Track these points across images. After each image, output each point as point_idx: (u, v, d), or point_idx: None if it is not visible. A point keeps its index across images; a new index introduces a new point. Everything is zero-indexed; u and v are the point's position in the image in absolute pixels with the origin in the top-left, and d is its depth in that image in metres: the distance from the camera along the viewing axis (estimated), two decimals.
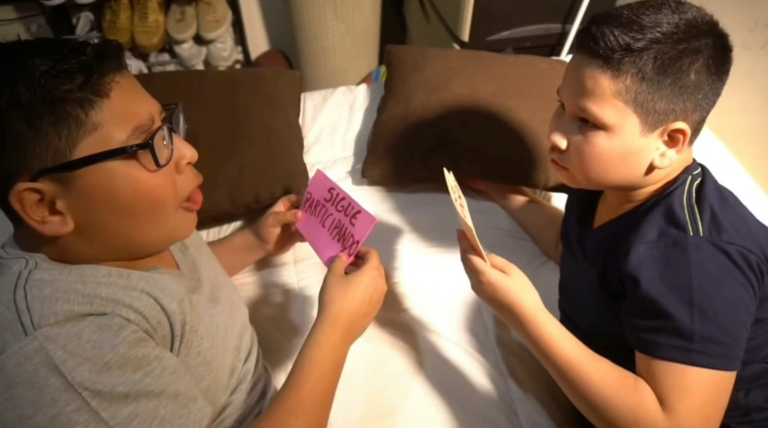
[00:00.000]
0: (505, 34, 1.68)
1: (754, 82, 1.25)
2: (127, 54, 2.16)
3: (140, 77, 0.68)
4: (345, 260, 0.78)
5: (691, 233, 0.63)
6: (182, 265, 0.73)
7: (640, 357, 0.64)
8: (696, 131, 0.67)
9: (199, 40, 2.13)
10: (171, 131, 0.61)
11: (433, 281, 1.06)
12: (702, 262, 0.61)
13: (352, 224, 0.82)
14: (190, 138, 0.66)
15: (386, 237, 1.13)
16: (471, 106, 1.18)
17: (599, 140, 0.67)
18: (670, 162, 0.67)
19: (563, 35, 1.69)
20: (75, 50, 0.53)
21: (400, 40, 2.31)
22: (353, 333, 0.72)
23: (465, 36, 1.65)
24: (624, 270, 0.65)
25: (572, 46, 1.68)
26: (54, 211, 0.55)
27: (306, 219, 0.92)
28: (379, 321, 0.98)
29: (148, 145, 0.56)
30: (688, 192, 0.68)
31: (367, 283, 0.73)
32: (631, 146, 0.66)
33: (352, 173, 1.25)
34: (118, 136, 0.55)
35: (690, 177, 0.69)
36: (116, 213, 0.57)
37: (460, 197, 0.77)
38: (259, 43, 2.38)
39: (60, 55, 0.52)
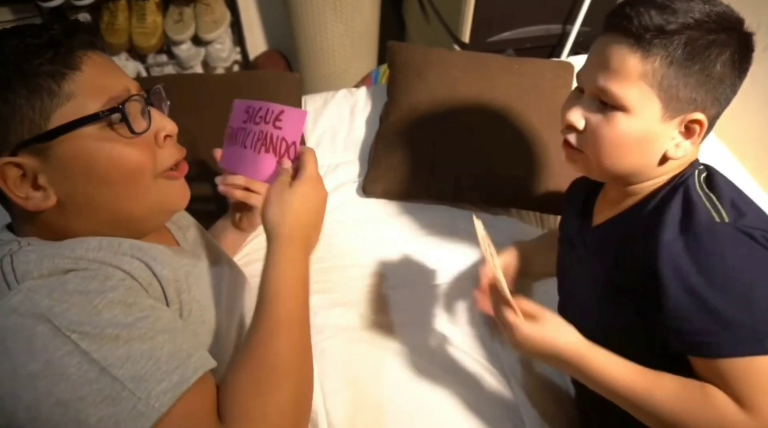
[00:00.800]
0: (505, 35, 1.67)
1: (757, 84, 1.24)
2: (125, 55, 2.14)
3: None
4: (289, 169, 0.70)
5: (717, 220, 0.62)
6: (183, 243, 0.73)
7: (699, 362, 0.61)
8: (710, 126, 0.67)
9: (197, 41, 2.12)
10: (149, 104, 0.61)
11: (437, 286, 1.05)
12: (733, 248, 0.60)
13: (279, 128, 0.72)
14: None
15: (389, 241, 1.12)
16: (475, 124, 1.17)
17: (619, 120, 0.66)
18: (684, 153, 0.67)
19: (564, 36, 1.68)
20: (44, 28, 0.55)
21: (399, 40, 2.28)
22: (309, 246, 0.67)
23: (465, 37, 1.64)
24: (653, 268, 0.62)
25: (572, 49, 1.67)
26: (36, 187, 0.56)
27: (227, 154, 0.82)
28: (382, 326, 0.97)
29: (119, 109, 0.57)
30: (699, 183, 0.68)
31: (308, 193, 0.67)
32: (649, 132, 0.66)
33: (353, 179, 1.24)
34: (92, 106, 0.56)
35: (696, 170, 0.69)
36: (95, 183, 0.57)
37: (489, 246, 0.73)
38: (257, 43, 2.36)
39: (30, 33, 0.54)
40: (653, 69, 0.63)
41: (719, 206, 0.63)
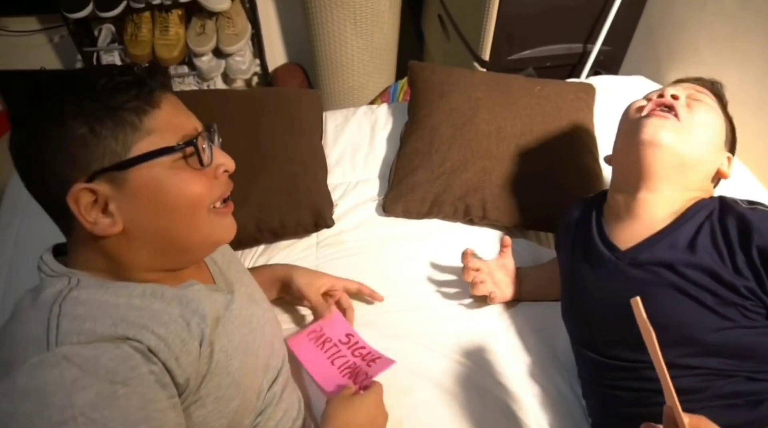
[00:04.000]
0: (526, 53, 1.67)
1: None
2: None
3: None
4: (355, 389, 0.82)
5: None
6: (218, 279, 0.75)
7: None
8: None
9: (218, 53, 2.14)
10: (210, 140, 0.66)
11: (457, 307, 1.05)
12: None
13: (369, 367, 0.88)
14: None
15: (409, 261, 1.12)
16: (496, 147, 1.18)
17: (713, 112, 0.81)
18: (728, 174, 0.84)
19: (585, 55, 1.68)
20: (128, 69, 0.62)
21: (418, 55, 2.31)
22: None
23: (486, 55, 1.64)
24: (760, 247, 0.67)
25: (592, 67, 1.67)
26: (106, 212, 0.59)
27: (305, 345, 0.94)
28: (402, 347, 0.97)
29: (193, 143, 0.62)
30: (737, 201, 0.78)
31: (373, 402, 0.78)
32: (721, 134, 0.82)
33: (373, 198, 1.24)
34: (169, 141, 0.60)
35: (721, 196, 0.81)
36: (159, 211, 0.61)
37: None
38: (277, 56, 2.39)
39: (117, 72, 0.60)
40: (724, 105, 0.88)
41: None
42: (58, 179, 0.57)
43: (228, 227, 0.69)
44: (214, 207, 0.66)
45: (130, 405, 0.52)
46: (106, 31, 2.15)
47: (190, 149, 0.62)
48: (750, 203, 0.76)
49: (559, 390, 0.93)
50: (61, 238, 0.65)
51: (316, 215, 1.11)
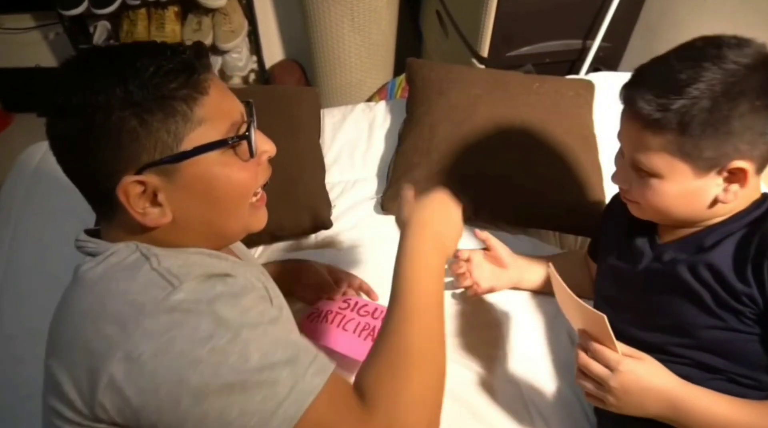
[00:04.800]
0: (525, 49, 1.66)
1: None
2: None
3: None
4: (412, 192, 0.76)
5: None
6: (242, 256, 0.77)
7: None
8: (763, 162, 0.67)
9: (214, 50, 2.13)
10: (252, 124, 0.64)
11: (456, 305, 1.05)
12: None
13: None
14: None
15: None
16: (495, 144, 1.17)
17: (655, 185, 0.70)
18: (735, 197, 0.68)
19: (584, 51, 1.67)
20: (176, 51, 0.57)
21: (416, 52, 2.30)
22: (443, 247, 0.68)
23: (484, 52, 1.63)
24: None
25: (591, 64, 1.66)
26: (155, 202, 0.57)
27: (309, 327, 0.92)
28: None
29: (246, 137, 0.60)
30: None
31: (445, 201, 0.71)
32: (687, 188, 0.68)
33: (372, 197, 1.24)
34: (218, 130, 0.58)
35: None
36: (209, 203, 0.60)
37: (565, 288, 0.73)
38: (274, 53, 2.37)
39: (164, 56, 0.55)
40: (668, 141, 0.66)
41: None
42: (106, 170, 0.55)
43: (261, 217, 0.69)
44: (255, 197, 0.66)
45: (260, 309, 0.55)
46: (101, 29, 2.13)
47: (242, 141, 0.60)
48: None
49: (560, 391, 0.93)
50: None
51: (314, 216, 1.10)
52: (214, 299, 0.52)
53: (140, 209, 0.57)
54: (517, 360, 0.97)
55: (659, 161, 0.67)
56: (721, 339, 0.69)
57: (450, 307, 1.04)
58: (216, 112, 0.58)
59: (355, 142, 1.34)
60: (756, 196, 0.71)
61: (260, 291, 0.61)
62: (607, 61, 1.73)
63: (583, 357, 0.69)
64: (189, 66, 0.56)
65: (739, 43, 0.64)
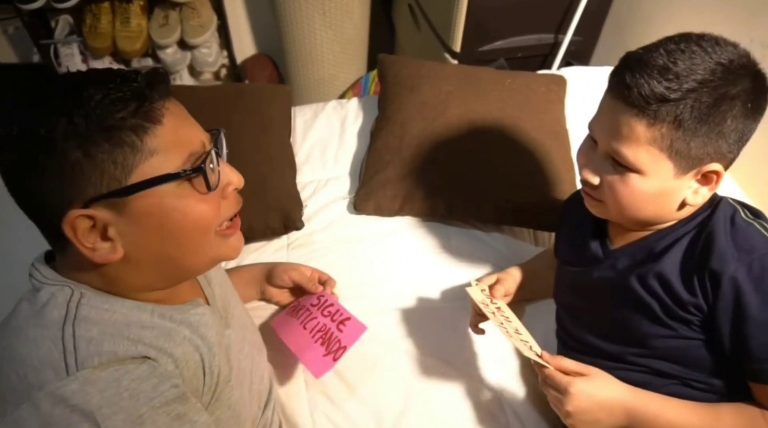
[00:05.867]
0: (497, 44, 1.65)
1: None
2: (109, 59, 2.10)
3: None
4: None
5: None
6: (211, 300, 0.72)
7: (763, 389, 0.64)
8: (728, 167, 0.67)
9: (183, 45, 2.08)
10: (217, 156, 0.61)
11: (429, 304, 1.04)
12: None
13: (340, 330, 0.83)
14: None
15: (381, 259, 1.10)
16: (467, 141, 1.16)
17: (633, 181, 0.66)
18: (702, 199, 0.68)
19: (556, 45, 1.67)
20: (126, 78, 0.54)
21: (389, 46, 2.28)
22: None
23: (457, 47, 1.62)
24: (720, 296, 0.63)
25: (563, 58, 1.67)
26: (105, 238, 0.55)
27: (284, 320, 0.91)
28: (374, 344, 0.96)
29: (200, 169, 0.56)
30: (736, 209, 0.68)
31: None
32: (664, 188, 0.66)
33: (344, 196, 1.22)
34: (173, 162, 0.55)
35: (722, 199, 0.70)
36: (164, 239, 0.57)
37: (498, 309, 0.74)
38: (245, 47, 2.32)
39: (113, 84, 0.53)
40: (661, 134, 0.62)
41: None
42: (51, 203, 0.53)
43: (233, 246, 0.64)
44: (218, 229, 0.62)
45: (157, 424, 0.51)
46: (63, 23, 2.06)
47: (197, 173, 0.57)
48: (755, 215, 0.69)
49: (535, 391, 0.93)
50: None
51: (285, 217, 1.08)
52: (108, 402, 0.49)
53: (89, 244, 0.54)
54: (492, 360, 0.97)
55: (645, 155, 0.64)
56: (673, 346, 0.70)
57: (424, 309, 1.03)
58: (171, 142, 0.55)
59: (326, 140, 1.32)
60: (706, 199, 0.70)
61: (185, 376, 0.56)
62: (578, 56, 1.74)
63: (540, 383, 0.72)
64: (139, 95, 0.53)
65: (719, 42, 0.63)
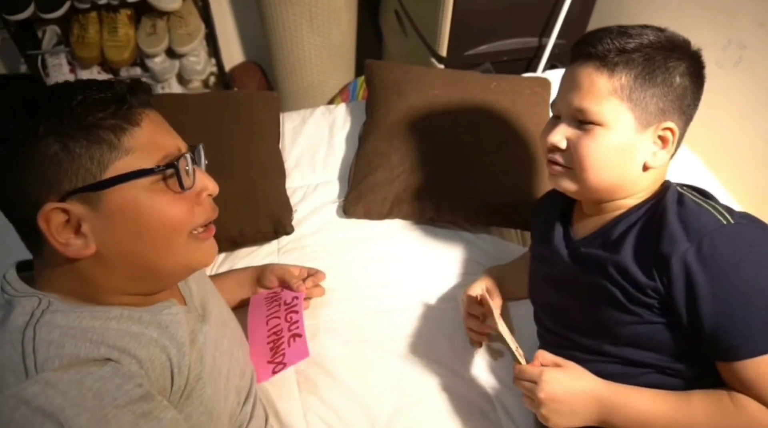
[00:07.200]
0: (482, 48, 1.67)
1: (728, 99, 1.27)
2: (97, 69, 2.10)
3: None
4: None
5: (724, 223, 0.65)
6: (188, 297, 0.73)
7: (725, 367, 0.65)
8: (680, 138, 0.73)
9: (171, 53, 2.08)
10: (194, 162, 0.63)
11: (419, 306, 1.05)
12: (754, 244, 0.64)
13: (289, 344, 0.85)
14: None
15: (371, 262, 1.11)
16: (454, 144, 1.17)
17: (597, 133, 0.71)
18: (662, 162, 0.72)
19: (540, 49, 1.70)
20: (109, 85, 0.58)
21: (377, 52, 2.30)
22: None
23: (443, 51, 1.64)
24: (673, 278, 0.65)
25: (548, 61, 1.69)
26: (78, 234, 0.56)
27: (259, 302, 0.93)
28: (365, 348, 0.96)
29: (173, 166, 0.59)
30: (692, 195, 0.71)
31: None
32: (627, 142, 0.71)
33: (334, 201, 1.23)
34: (149, 161, 0.57)
35: (677, 185, 0.75)
36: (136, 235, 0.58)
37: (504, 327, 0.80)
38: (233, 55, 2.33)
39: (96, 89, 0.56)
40: (621, 85, 0.69)
41: (720, 209, 0.67)
42: (28, 197, 0.55)
43: (207, 252, 0.66)
44: (193, 232, 0.63)
45: (122, 423, 0.51)
46: (50, 33, 2.05)
47: (170, 171, 0.59)
48: (704, 196, 0.72)
49: None
50: (23, 249, 0.61)
51: (275, 222, 1.09)
52: (70, 403, 0.49)
53: (63, 239, 0.55)
54: (481, 357, 0.98)
55: (608, 106, 0.70)
56: (641, 333, 0.71)
57: (414, 311, 1.04)
58: (147, 143, 0.58)
59: (315, 145, 1.33)
60: (659, 183, 0.76)
61: (150, 376, 0.56)
62: (562, 58, 1.76)
63: (514, 380, 0.75)
64: (120, 98, 0.57)
65: (662, 29, 0.73)
